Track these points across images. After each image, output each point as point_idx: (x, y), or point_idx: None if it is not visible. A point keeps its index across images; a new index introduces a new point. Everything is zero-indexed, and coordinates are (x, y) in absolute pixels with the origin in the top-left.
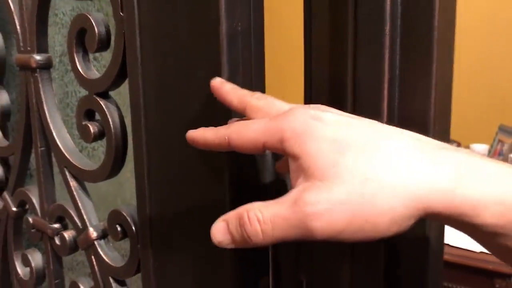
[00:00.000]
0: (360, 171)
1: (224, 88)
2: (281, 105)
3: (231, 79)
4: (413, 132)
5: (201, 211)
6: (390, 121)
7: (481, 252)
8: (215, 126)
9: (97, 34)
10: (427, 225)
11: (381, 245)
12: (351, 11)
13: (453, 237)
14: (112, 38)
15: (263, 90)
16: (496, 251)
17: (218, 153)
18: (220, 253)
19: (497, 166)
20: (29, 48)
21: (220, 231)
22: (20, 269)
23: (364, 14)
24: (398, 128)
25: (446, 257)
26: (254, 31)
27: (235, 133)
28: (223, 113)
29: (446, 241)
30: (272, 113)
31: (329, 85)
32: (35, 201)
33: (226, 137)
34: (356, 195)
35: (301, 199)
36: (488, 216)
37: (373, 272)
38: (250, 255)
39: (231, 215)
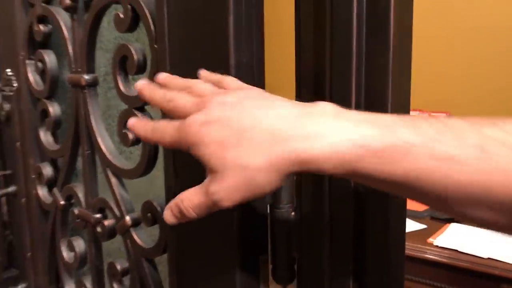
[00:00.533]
0: (238, 162)
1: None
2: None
3: None
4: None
5: None
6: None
7: (489, 258)
8: None
9: (136, 61)
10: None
11: (350, 229)
12: (328, 18)
13: (462, 243)
14: (148, 63)
15: None
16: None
17: None
18: (228, 236)
19: (333, 126)
20: (79, 69)
21: (168, 215)
22: (66, 254)
23: (337, 20)
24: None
25: (454, 262)
26: (256, 62)
27: (156, 138)
28: None
29: (454, 247)
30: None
31: (314, 70)
32: (81, 195)
33: (155, 139)
34: (242, 179)
35: (209, 190)
36: (326, 168)
37: (344, 248)
38: (252, 238)
39: (173, 205)
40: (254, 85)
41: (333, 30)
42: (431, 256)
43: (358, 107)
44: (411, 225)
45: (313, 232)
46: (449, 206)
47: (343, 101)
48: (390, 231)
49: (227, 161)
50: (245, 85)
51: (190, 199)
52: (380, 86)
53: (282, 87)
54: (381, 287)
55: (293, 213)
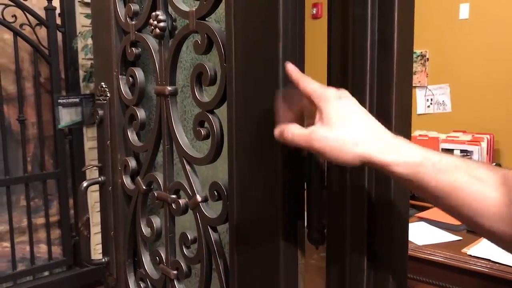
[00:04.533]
0: (342, 132)
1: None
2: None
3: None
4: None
5: (263, 184)
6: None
7: None
8: (271, 138)
9: (209, 76)
10: (392, 186)
11: (365, 205)
12: (350, 44)
13: (494, 254)
14: (218, 77)
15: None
16: (405, 186)
17: (271, 149)
18: (274, 206)
19: (408, 146)
20: (164, 82)
21: (276, 133)
22: (144, 229)
23: (356, 46)
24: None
25: (486, 271)
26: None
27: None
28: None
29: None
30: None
31: (340, 81)
32: (160, 180)
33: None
34: (336, 142)
35: (314, 131)
36: (397, 170)
37: (360, 218)
38: (292, 207)
39: (280, 128)
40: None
41: (354, 52)
42: (463, 265)
43: (371, 109)
44: (448, 237)
45: (338, 204)
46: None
47: (361, 104)
48: (394, 210)
49: (337, 127)
50: None
51: (297, 130)
52: (387, 93)
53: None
54: (387, 248)
55: (324, 190)
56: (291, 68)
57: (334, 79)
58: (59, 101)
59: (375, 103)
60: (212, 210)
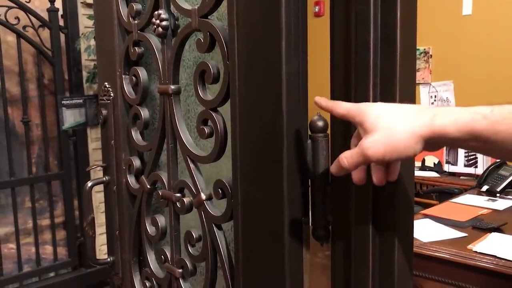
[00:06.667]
0: (388, 125)
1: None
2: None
3: (288, 101)
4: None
5: (267, 182)
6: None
7: None
8: (275, 136)
9: (212, 74)
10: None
11: (370, 202)
12: (353, 41)
13: (500, 250)
14: (221, 75)
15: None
16: (469, 149)
17: (274, 146)
18: (279, 203)
19: (453, 109)
20: (167, 81)
21: (332, 167)
22: (149, 228)
23: (359, 44)
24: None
25: (491, 267)
26: (301, 74)
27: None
28: (280, 128)
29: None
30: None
31: (343, 80)
32: (164, 179)
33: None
34: (386, 135)
35: (361, 144)
36: (451, 132)
37: (365, 215)
38: (297, 204)
39: (336, 160)
40: (299, 90)
41: (356, 50)
42: (469, 261)
43: None
44: (453, 233)
45: (343, 201)
46: None
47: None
48: (399, 206)
49: (379, 125)
50: None
51: (347, 152)
52: (390, 91)
53: (320, 93)
54: (392, 244)
55: (328, 187)
56: (319, 100)
57: (337, 77)
58: (62, 102)
59: (379, 101)
60: (217, 208)
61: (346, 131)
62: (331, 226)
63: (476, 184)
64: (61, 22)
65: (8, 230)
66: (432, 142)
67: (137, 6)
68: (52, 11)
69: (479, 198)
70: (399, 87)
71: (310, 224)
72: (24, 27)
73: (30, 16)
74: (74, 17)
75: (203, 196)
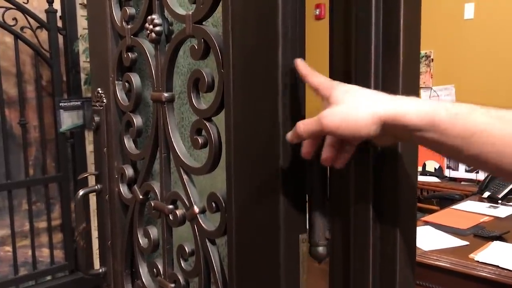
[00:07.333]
0: (352, 100)
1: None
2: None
3: (284, 110)
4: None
5: (264, 196)
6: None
7: None
8: (271, 148)
9: (206, 82)
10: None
11: (369, 218)
12: (353, 47)
13: (502, 260)
14: (215, 83)
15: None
16: (424, 144)
17: (270, 159)
18: (275, 220)
19: (418, 99)
20: (160, 88)
21: (288, 137)
22: (141, 240)
23: (360, 51)
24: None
25: (493, 277)
26: (299, 82)
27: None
28: (276, 139)
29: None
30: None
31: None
32: (157, 190)
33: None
34: (346, 110)
35: (322, 112)
36: (412, 119)
37: (365, 232)
38: (294, 221)
39: (293, 128)
40: (296, 100)
41: (357, 56)
42: (470, 271)
43: None
44: (454, 242)
45: (342, 218)
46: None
47: None
48: (401, 222)
49: (344, 100)
50: None
51: (304, 121)
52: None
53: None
54: (393, 260)
55: (327, 201)
56: (300, 63)
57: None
58: (60, 104)
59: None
60: (210, 221)
61: None
62: (330, 244)
63: (478, 190)
64: (60, 24)
65: (5, 233)
66: (390, 129)
67: (130, 10)
68: (50, 12)
69: (481, 205)
70: (401, 94)
71: (307, 241)
72: (22, 28)
73: (28, 17)
74: (72, 19)
75: (196, 210)
